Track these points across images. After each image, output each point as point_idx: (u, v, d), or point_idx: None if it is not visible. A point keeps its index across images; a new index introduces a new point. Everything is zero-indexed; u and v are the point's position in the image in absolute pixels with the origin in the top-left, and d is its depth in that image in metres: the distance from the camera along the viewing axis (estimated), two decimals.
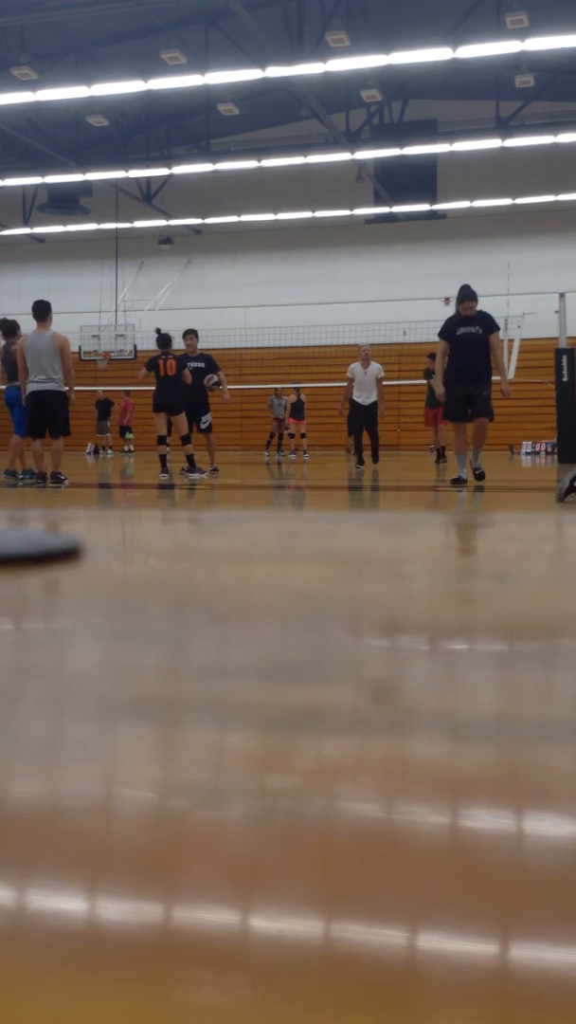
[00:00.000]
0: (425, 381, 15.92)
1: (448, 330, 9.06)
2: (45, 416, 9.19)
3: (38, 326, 9.34)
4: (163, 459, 10.19)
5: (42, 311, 9.32)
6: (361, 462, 13.24)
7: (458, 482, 8.29)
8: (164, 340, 10.57)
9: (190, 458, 10.16)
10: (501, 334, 24.45)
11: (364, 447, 14.63)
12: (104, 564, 3.06)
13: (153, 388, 11.00)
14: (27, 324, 10.65)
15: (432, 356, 14.53)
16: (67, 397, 9.20)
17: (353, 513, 5.93)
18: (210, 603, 2.32)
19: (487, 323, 9.04)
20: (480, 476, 8.61)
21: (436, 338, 9.39)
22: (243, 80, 17.66)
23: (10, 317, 10.79)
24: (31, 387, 9.16)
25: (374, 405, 13.24)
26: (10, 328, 10.17)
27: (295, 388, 20.97)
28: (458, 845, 0.84)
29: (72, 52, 20.31)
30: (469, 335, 8.82)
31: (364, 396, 13.18)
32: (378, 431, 13.80)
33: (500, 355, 9.30)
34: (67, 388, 9.19)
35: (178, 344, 11.00)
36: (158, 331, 11.00)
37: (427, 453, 22.95)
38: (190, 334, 11.41)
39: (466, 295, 9.19)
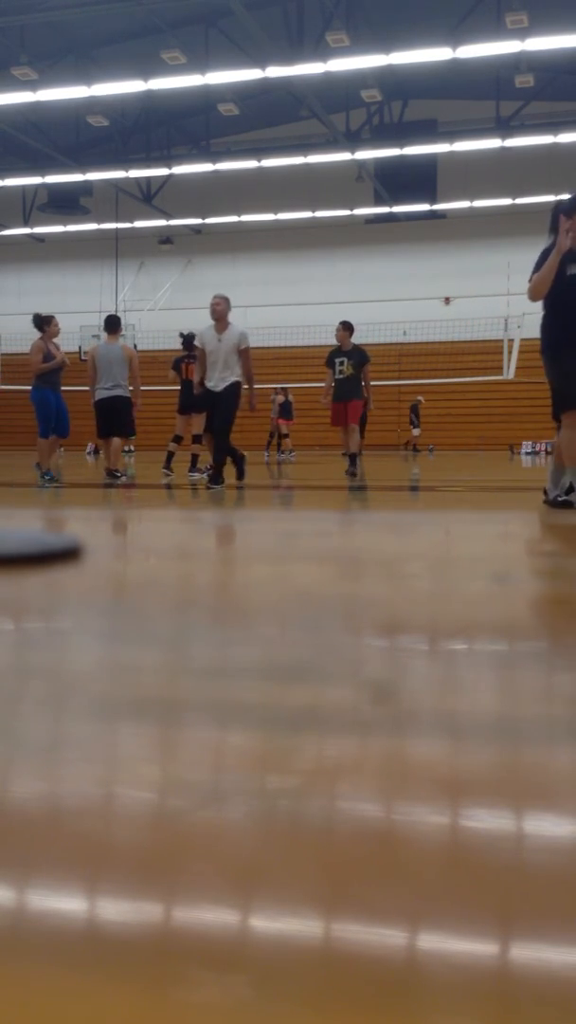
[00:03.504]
0: (324, 384, 10.44)
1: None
2: (112, 420, 9.74)
3: (108, 337, 9.97)
4: (169, 457, 10.24)
5: (113, 324, 9.91)
6: (216, 479, 7.94)
7: (566, 505, 5.26)
8: (188, 342, 10.63)
9: (194, 457, 10.17)
10: (500, 334, 24.66)
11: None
12: (104, 564, 3.06)
13: (168, 388, 11.15)
14: (23, 326, 10.67)
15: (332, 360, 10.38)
16: (132, 402, 9.79)
17: (355, 515, 5.92)
18: (209, 603, 2.32)
19: None
20: None
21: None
22: (243, 80, 17.65)
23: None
24: (100, 393, 9.72)
25: (232, 391, 8.00)
26: (42, 322, 10.30)
27: (283, 388, 21.09)
28: (458, 845, 0.84)
29: (72, 52, 20.31)
30: None
31: (217, 376, 8.01)
32: (228, 432, 8.23)
33: None
34: (132, 391, 9.77)
35: None
36: (182, 335, 11.03)
37: (426, 454, 22.93)
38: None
39: None
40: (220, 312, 8.07)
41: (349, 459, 10.60)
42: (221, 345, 8.02)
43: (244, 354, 8.05)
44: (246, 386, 8.14)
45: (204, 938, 0.67)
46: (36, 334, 9.66)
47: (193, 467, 10.19)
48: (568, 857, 0.81)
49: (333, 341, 10.54)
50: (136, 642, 1.75)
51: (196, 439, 10.41)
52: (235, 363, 8.02)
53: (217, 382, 8.00)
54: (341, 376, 10.36)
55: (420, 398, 24.42)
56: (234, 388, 8.00)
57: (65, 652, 1.68)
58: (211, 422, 8.31)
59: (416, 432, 24.51)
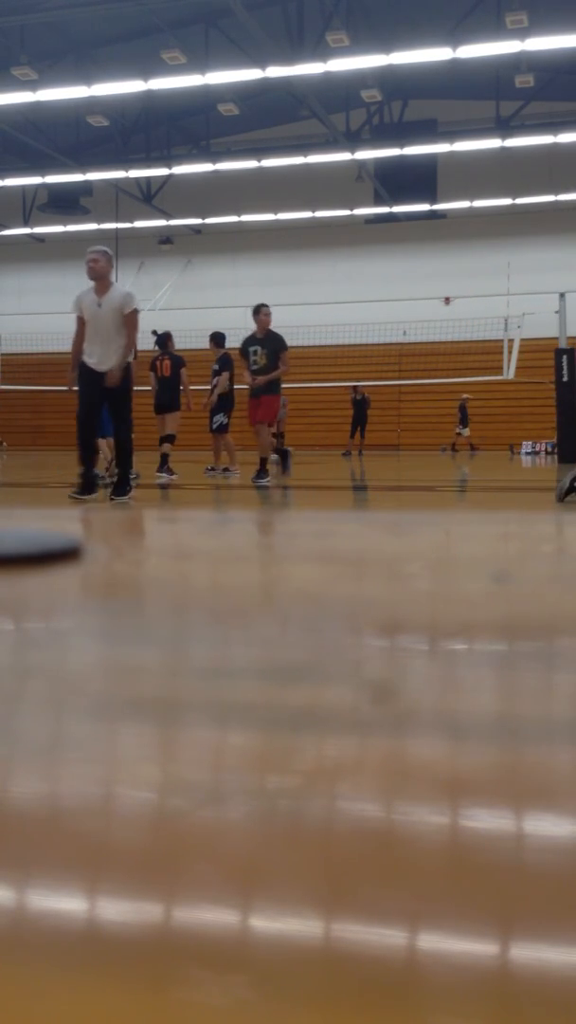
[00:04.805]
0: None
1: None
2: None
3: None
4: (164, 458, 10.21)
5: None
6: (90, 489, 6.64)
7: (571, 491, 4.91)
8: (161, 340, 10.60)
9: (164, 457, 9.97)
10: (500, 334, 24.67)
11: (107, 455, 8.29)
12: (104, 564, 3.06)
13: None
14: (23, 326, 10.66)
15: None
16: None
17: (355, 514, 5.93)
18: (208, 602, 2.32)
19: None
20: None
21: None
22: (243, 80, 17.64)
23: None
24: None
25: (122, 375, 6.48)
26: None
27: None
28: (458, 845, 0.84)
29: (72, 52, 20.30)
30: None
31: (99, 352, 6.47)
32: (129, 425, 6.82)
33: None
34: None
35: (187, 345, 10.99)
36: (154, 332, 10.96)
37: (439, 453, 22.81)
38: (211, 340, 11.45)
39: None
40: (100, 270, 6.57)
41: (260, 463, 8.85)
42: (102, 311, 6.48)
43: (128, 320, 6.50)
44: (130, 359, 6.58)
45: (204, 938, 0.67)
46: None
47: (162, 466, 10.03)
48: (568, 857, 0.81)
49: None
50: (136, 642, 1.75)
51: (169, 438, 10.38)
52: (118, 335, 6.45)
53: (100, 359, 6.41)
54: (256, 367, 8.85)
55: (467, 396, 23.63)
56: (124, 373, 6.46)
57: (65, 652, 1.68)
58: (90, 411, 6.50)
59: (464, 432, 23.38)
